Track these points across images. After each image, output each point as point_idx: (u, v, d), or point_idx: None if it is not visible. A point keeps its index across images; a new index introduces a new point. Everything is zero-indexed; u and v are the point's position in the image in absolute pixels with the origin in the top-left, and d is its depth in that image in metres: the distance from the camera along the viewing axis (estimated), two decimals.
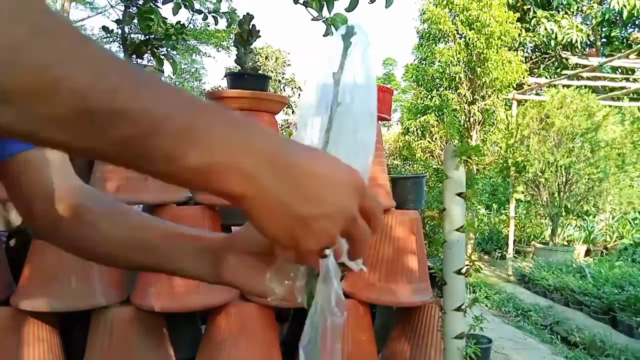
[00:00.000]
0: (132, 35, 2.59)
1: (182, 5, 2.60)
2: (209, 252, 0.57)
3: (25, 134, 0.31)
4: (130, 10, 2.49)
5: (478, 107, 8.75)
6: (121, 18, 2.46)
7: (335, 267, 0.50)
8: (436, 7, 9.18)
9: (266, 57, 17.95)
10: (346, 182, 0.41)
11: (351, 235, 0.43)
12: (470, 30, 8.38)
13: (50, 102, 0.30)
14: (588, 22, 11.67)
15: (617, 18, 11.09)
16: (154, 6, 2.50)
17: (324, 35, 1.88)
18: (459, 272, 1.75)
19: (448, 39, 9.25)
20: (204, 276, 0.57)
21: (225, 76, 2.48)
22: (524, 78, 8.35)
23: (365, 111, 0.55)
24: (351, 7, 1.86)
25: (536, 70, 11.83)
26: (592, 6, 11.36)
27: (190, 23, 2.74)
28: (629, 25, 11.96)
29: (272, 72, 17.31)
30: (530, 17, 11.05)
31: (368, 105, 0.55)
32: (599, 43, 11.99)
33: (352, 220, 0.42)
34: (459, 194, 1.75)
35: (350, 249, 0.45)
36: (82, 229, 0.60)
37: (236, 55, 2.29)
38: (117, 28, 2.51)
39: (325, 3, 1.87)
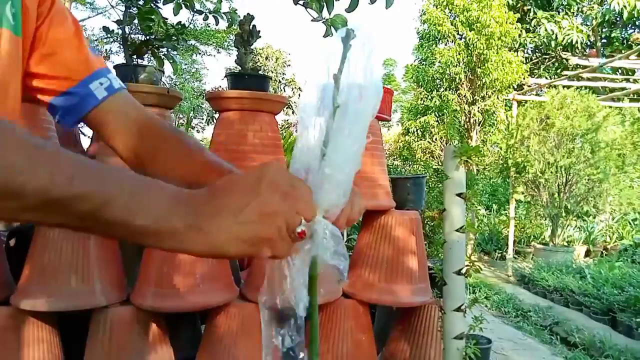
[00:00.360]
0: (132, 36, 2.59)
1: (183, 6, 2.60)
2: None
3: (7, 219, 0.44)
4: (131, 10, 2.49)
5: (478, 107, 8.75)
6: (122, 18, 2.46)
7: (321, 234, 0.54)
8: (436, 8, 9.18)
9: (266, 58, 17.96)
10: (264, 176, 0.48)
11: (297, 209, 0.49)
12: (470, 31, 8.39)
13: (21, 199, 0.40)
14: (588, 23, 11.66)
15: (618, 19, 11.09)
16: (154, 7, 2.50)
17: (324, 36, 1.88)
18: (458, 272, 1.76)
19: (448, 40, 9.26)
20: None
21: (225, 76, 2.48)
22: (524, 79, 8.35)
23: (365, 114, 0.56)
24: (351, 8, 1.86)
25: (536, 71, 11.83)
26: (593, 7, 11.36)
27: (190, 23, 2.74)
28: (629, 25, 11.97)
29: (272, 72, 17.32)
30: (531, 17, 11.05)
31: (369, 107, 0.56)
32: (599, 44, 11.99)
33: (288, 198, 0.48)
34: (459, 195, 1.75)
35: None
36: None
37: (237, 55, 2.30)
38: (118, 28, 2.52)
39: (325, 4, 1.87)
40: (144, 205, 0.44)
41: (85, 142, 2.97)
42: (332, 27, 1.86)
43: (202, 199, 0.48)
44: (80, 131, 3.05)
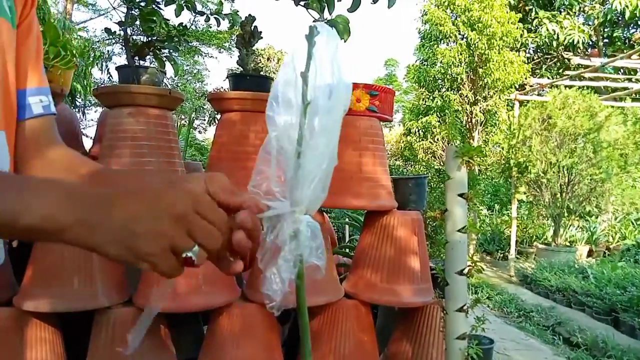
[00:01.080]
0: (134, 37, 2.59)
1: (184, 7, 2.61)
2: None
3: None
4: (133, 12, 2.49)
5: (480, 107, 8.74)
6: (123, 20, 2.47)
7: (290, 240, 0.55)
8: (438, 8, 9.17)
9: (268, 58, 17.98)
10: (166, 195, 0.49)
11: (192, 234, 0.49)
12: (472, 31, 8.38)
13: None
14: (590, 23, 11.64)
15: (619, 18, 11.07)
16: (156, 8, 2.50)
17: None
18: (461, 272, 1.75)
19: (450, 40, 9.24)
20: None
21: (227, 77, 2.48)
22: (526, 79, 8.34)
23: (336, 110, 0.56)
24: (354, 8, 1.86)
25: (538, 71, 11.82)
26: (594, 7, 11.34)
27: (192, 25, 2.74)
28: (631, 25, 11.94)
29: (274, 73, 17.32)
30: (532, 17, 11.04)
31: (340, 103, 0.56)
32: (601, 43, 11.97)
33: (182, 222, 0.48)
34: (461, 195, 1.75)
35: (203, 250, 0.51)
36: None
37: (238, 56, 2.30)
38: (120, 30, 2.52)
39: (326, 4, 1.87)
40: (29, 206, 0.46)
41: (87, 143, 2.97)
42: (333, 28, 1.86)
43: (101, 197, 0.49)
44: (82, 132, 3.05)
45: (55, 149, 0.75)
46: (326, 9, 1.89)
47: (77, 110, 9.24)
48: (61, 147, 0.76)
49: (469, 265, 1.78)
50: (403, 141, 11.09)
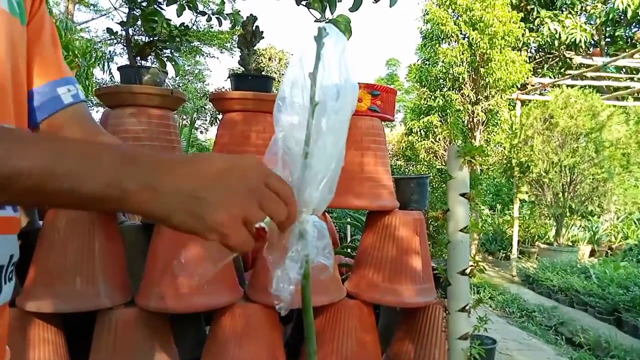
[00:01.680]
0: (136, 37, 2.59)
1: (186, 7, 2.61)
2: None
3: None
4: (134, 12, 2.49)
5: (482, 107, 8.72)
6: (125, 20, 2.47)
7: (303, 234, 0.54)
8: (439, 7, 9.16)
9: (269, 58, 17.98)
10: (237, 166, 0.47)
11: (264, 207, 0.47)
12: (473, 30, 8.36)
13: None
14: (592, 22, 11.62)
15: (622, 17, 11.04)
16: (157, 8, 2.51)
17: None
18: (463, 272, 1.75)
19: (451, 40, 9.23)
20: None
21: (228, 77, 2.48)
22: (527, 78, 8.32)
23: (344, 110, 0.56)
24: (355, 7, 1.86)
25: (540, 70, 11.79)
26: (596, 6, 11.31)
27: (193, 25, 2.74)
28: (633, 24, 11.91)
29: (275, 73, 17.34)
30: (534, 17, 11.02)
31: (347, 104, 0.56)
32: (603, 43, 11.94)
33: (256, 193, 0.47)
34: (463, 195, 1.75)
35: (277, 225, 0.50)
36: None
37: (240, 56, 2.30)
38: (121, 30, 2.52)
39: (327, 4, 1.87)
40: (92, 172, 0.43)
41: None
42: (335, 27, 1.86)
43: (168, 161, 0.47)
44: None
45: (94, 134, 0.76)
46: (328, 8, 1.89)
47: None
48: (99, 132, 0.77)
49: (471, 265, 1.78)
50: (405, 141, 11.08)
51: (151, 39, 2.50)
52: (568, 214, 7.05)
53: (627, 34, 11.99)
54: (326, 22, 1.89)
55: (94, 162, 0.44)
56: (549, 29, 10.59)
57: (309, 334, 0.61)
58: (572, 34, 10.46)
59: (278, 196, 0.49)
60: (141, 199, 0.44)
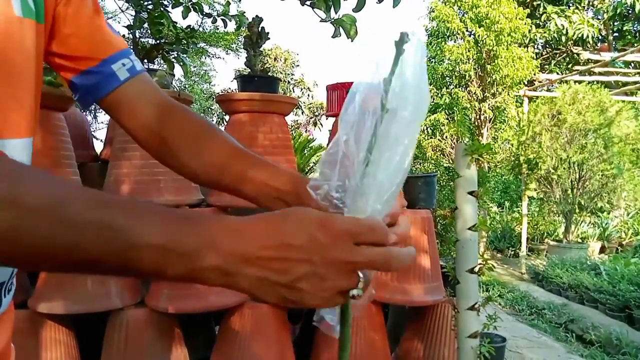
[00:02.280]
0: (143, 40, 2.61)
1: (192, 9, 2.62)
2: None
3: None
4: (141, 15, 2.51)
5: (489, 104, 8.68)
6: (132, 23, 2.49)
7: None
8: (445, 4, 9.13)
9: (275, 59, 18.00)
10: (321, 246, 0.43)
11: (358, 269, 0.44)
12: (479, 27, 8.33)
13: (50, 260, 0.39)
14: (599, 17, 11.52)
15: (630, 11, 10.95)
16: (164, 11, 2.52)
17: (332, 37, 1.89)
18: (471, 270, 1.75)
19: (457, 37, 9.20)
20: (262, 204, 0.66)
21: (235, 78, 2.49)
22: (534, 74, 8.27)
23: (414, 121, 0.54)
24: (359, 7, 1.86)
25: (547, 67, 11.72)
26: (604, 0, 11.23)
27: (199, 26, 2.75)
28: None
29: (281, 73, 17.35)
30: (540, 12, 10.95)
31: (419, 114, 0.54)
32: (610, 37, 11.84)
33: (347, 266, 0.43)
34: (471, 193, 1.75)
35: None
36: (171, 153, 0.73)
37: (246, 57, 2.31)
38: (129, 33, 2.54)
39: (332, 4, 1.87)
40: (176, 258, 0.41)
41: (98, 146, 3.00)
42: (340, 27, 1.86)
43: (246, 237, 0.43)
44: (93, 135, 3.08)
45: (164, 107, 0.73)
46: (332, 8, 1.89)
47: (88, 113, 9.31)
48: (167, 102, 0.74)
49: (479, 263, 1.78)
50: None
51: (158, 41, 2.52)
52: (577, 210, 7.01)
53: (635, 29, 11.88)
54: (331, 22, 1.89)
55: (177, 246, 0.41)
56: (556, 25, 10.51)
57: (344, 344, 0.59)
58: (579, 29, 10.38)
59: (373, 244, 0.45)
60: (222, 283, 0.43)
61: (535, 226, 7.93)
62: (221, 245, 0.42)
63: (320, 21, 1.92)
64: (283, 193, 0.65)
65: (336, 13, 1.89)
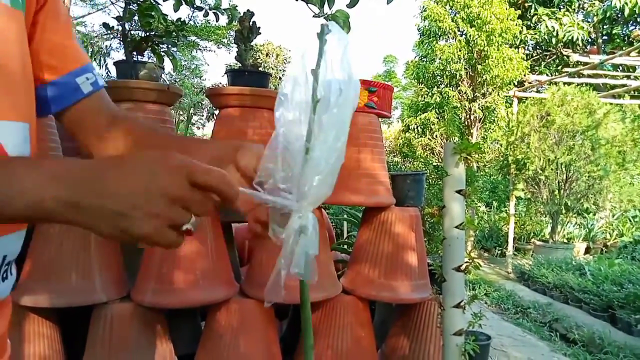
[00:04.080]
0: (132, 32, 2.58)
1: (183, 2, 2.60)
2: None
3: None
4: (131, 7, 2.48)
5: (479, 104, 8.74)
6: (121, 15, 2.46)
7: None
8: (437, 4, 9.16)
9: (267, 54, 17.95)
10: (158, 175, 0.48)
11: (189, 208, 0.49)
12: (471, 27, 8.37)
13: None
14: (589, 20, 11.64)
15: (619, 15, 11.07)
16: (154, 3, 2.50)
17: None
18: (458, 269, 1.76)
19: (449, 37, 9.24)
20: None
21: (225, 73, 2.48)
22: (524, 75, 8.34)
23: (346, 107, 0.57)
24: (352, 4, 1.86)
25: (537, 68, 11.82)
26: (594, 3, 11.33)
27: (190, 20, 2.73)
28: (631, 22, 11.94)
29: (272, 69, 17.30)
30: (532, 14, 11.04)
31: (349, 101, 0.57)
32: (600, 40, 11.97)
33: (178, 200, 0.48)
34: (459, 192, 1.75)
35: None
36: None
37: (237, 52, 2.29)
38: (118, 25, 2.51)
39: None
40: (11, 198, 0.45)
41: None
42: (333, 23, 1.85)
43: (90, 174, 0.48)
44: None
45: (116, 121, 0.76)
46: (326, 4, 1.89)
47: None
48: (122, 119, 0.77)
49: (466, 262, 1.79)
50: (401, 137, 11.09)
51: (148, 34, 2.49)
52: (564, 211, 7.08)
53: (624, 32, 12.01)
54: (324, 18, 1.88)
55: (15, 186, 0.46)
56: (547, 27, 10.60)
57: (306, 329, 0.62)
58: (569, 31, 10.48)
59: (208, 189, 0.49)
60: (66, 216, 0.47)
61: (522, 226, 8.00)
62: (63, 177, 0.47)
63: (314, 16, 1.91)
64: (215, 162, 0.65)
65: (330, 8, 1.89)
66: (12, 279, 0.66)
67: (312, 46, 0.56)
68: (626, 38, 11.90)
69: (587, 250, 7.50)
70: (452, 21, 8.87)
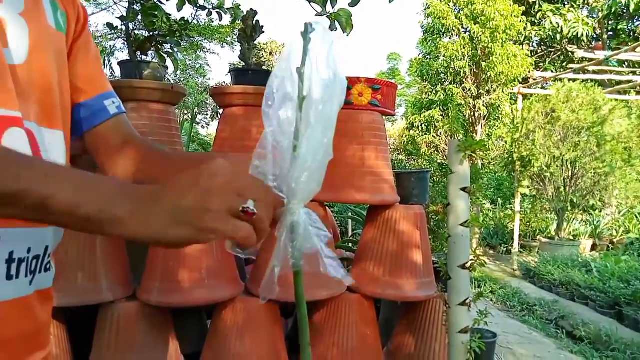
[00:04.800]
0: (136, 32, 2.59)
1: (186, 1, 2.60)
2: None
3: None
4: (134, 6, 2.49)
5: (483, 101, 8.71)
6: (125, 15, 2.46)
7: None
8: (440, 1, 9.13)
9: (270, 53, 17.94)
10: (205, 169, 0.51)
11: (242, 193, 0.51)
12: (475, 24, 8.34)
13: None
14: (594, 15, 11.57)
15: (624, 11, 10.99)
16: (158, 2, 2.50)
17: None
18: (463, 266, 1.75)
19: (453, 34, 9.21)
20: None
21: (229, 72, 2.48)
22: (529, 72, 8.30)
23: (331, 104, 0.58)
24: (355, 2, 1.86)
25: (542, 64, 11.76)
26: None
27: (194, 19, 2.73)
28: (636, 18, 11.85)
29: None
30: (536, 10, 10.98)
31: (335, 98, 0.58)
32: (605, 36, 11.89)
33: (230, 185, 0.50)
34: (464, 189, 1.75)
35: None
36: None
37: (240, 51, 2.29)
38: (121, 25, 2.52)
39: None
40: (88, 198, 0.49)
41: None
42: (336, 22, 1.85)
43: (148, 190, 0.52)
44: None
45: (133, 142, 0.84)
46: (329, 2, 1.89)
47: None
48: (136, 140, 0.85)
49: (471, 259, 1.78)
50: (406, 135, 11.07)
51: (151, 33, 2.50)
52: (569, 208, 7.05)
53: (629, 28, 11.94)
54: (327, 16, 1.88)
55: (90, 190, 0.50)
56: (551, 23, 10.55)
57: (302, 326, 0.62)
58: (574, 27, 10.42)
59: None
60: (133, 223, 0.50)
61: (528, 223, 7.98)
62: (129, 191, 0.52)
63: (316, 15, 1.91)
64: None
65: (332, 7, 1.88)
66: (53, 271, 0.73)
67: (298, 44, 0.57)
68: (632, 34, 11.83)
69: (594, 247, 7.47)
70: (456, 18, 8.84)
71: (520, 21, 8.39)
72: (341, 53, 0.58)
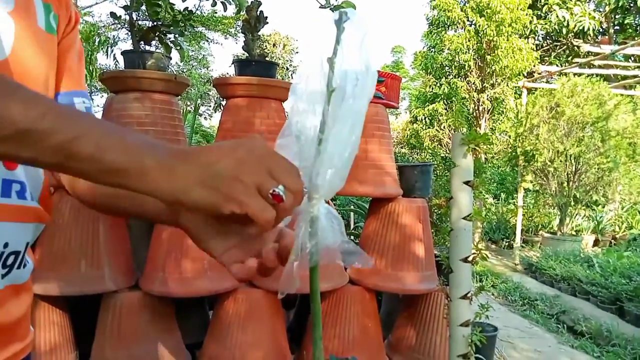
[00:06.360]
0: (140, 22, 2.58)
1: None
2: None
3: None
4: None
5: (487, 95, 8.67)
6: (129, 4, 2.45)
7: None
8: None
9: (274, 44, 17.89)
10: (245, 142, 0.49)
11: (275, 175, 0.49)
12: (480, 17, 8.28)
13: None
14: (601, 9, 11.47)
15: (631, 5, 10.89)
16: None
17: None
18: (465, 260, 1.75)
19: (458, 27, 9.14)
20: (165, 219, 0.64)
21: (232, 63, 2.47)
22: (534, 66, 8.25)
23: (362, 98, 0.55)
24: None
25: (547, 58, 11.68)
26: None
27: (197, 9, 2.72)
28: None
29: (279, 59, 17.25)
30: (542, 4, 10.88)
31: (366, 91, 0.55)
32: (611, 30, 11.79)
33: (265, 163, 0.48)
34: (467, 183, 1.74)
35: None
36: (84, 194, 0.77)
37: (244, 42, 2.29)
38: (125, 14, 2.51)
39: None
40: (116, 143, 0.47)
41: None
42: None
43: (180, 148, 0.50)
44: None
45: None
46: None
47: None
48: None
49: (473, 253, 1.78)
50: (409, 128, 11.04)
51: (155, 23, 2.49)
52: (572, 203, 7.04)
53: (636, 22, 11.83)
54: (330, 9, 1.87)
55: (118, 137, 0.48)
56: (557, 17, 10.46)
57: (315, 321, 0.61)
58: (580, 21, 10.33)
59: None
60: (159, 176, 0.47)
61: (530, 218, 7.97)
62: (160, 145, 0.49)
63: (320, 7, 1.90)
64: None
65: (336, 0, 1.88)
66: (30, 267, 0.70)
67: (329, 33, 0.54)
68: (638, 28, 11.73)
69: (596, 243, 7.45)
70: (461, 11, 8.78)
71: (526, 14, 8.33)
72: (374, 44, 0.55)
